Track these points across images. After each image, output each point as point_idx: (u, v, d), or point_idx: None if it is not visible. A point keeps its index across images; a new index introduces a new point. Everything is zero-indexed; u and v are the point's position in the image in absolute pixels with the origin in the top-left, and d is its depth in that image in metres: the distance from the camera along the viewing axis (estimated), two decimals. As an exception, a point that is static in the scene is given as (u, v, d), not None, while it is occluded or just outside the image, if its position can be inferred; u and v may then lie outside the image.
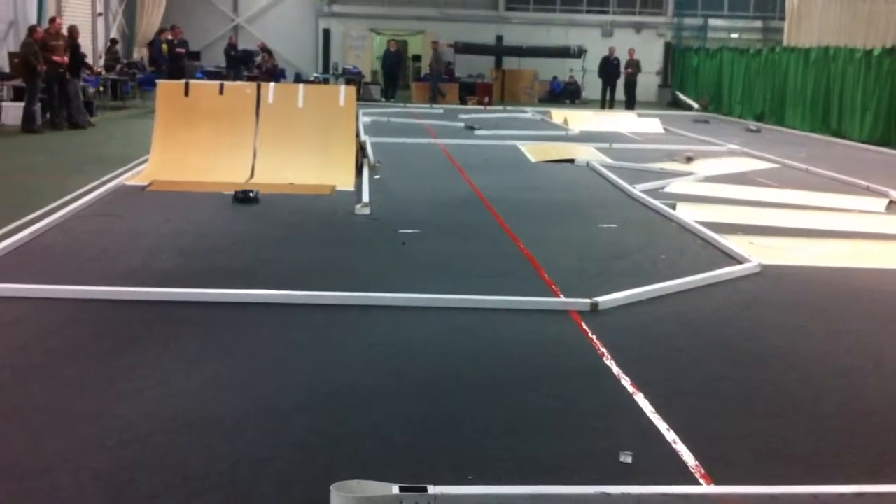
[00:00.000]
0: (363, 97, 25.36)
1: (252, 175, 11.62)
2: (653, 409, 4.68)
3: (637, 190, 11.38)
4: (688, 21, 32.76)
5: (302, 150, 11.92)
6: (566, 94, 30.71)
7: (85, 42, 20.33)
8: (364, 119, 18.89)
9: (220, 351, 5.35)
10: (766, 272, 7.63)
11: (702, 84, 29.01)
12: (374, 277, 7.10)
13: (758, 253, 8.05)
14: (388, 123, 20.08)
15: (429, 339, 5.73)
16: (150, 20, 28.65)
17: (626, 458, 4.08)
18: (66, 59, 16.77)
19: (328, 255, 7.87)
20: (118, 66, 24.70)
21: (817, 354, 5.69)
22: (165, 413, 4.42)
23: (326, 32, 32.28)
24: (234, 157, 11.82)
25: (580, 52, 29.76)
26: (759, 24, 33.40)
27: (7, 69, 19.24)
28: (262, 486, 3.75)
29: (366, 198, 10.20)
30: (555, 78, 31.38)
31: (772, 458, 4.19)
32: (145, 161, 12.10)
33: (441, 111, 24.14)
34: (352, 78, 27.39)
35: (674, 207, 10.27)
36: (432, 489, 3.56)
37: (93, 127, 17.42)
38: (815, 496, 3.70)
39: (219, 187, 10.77)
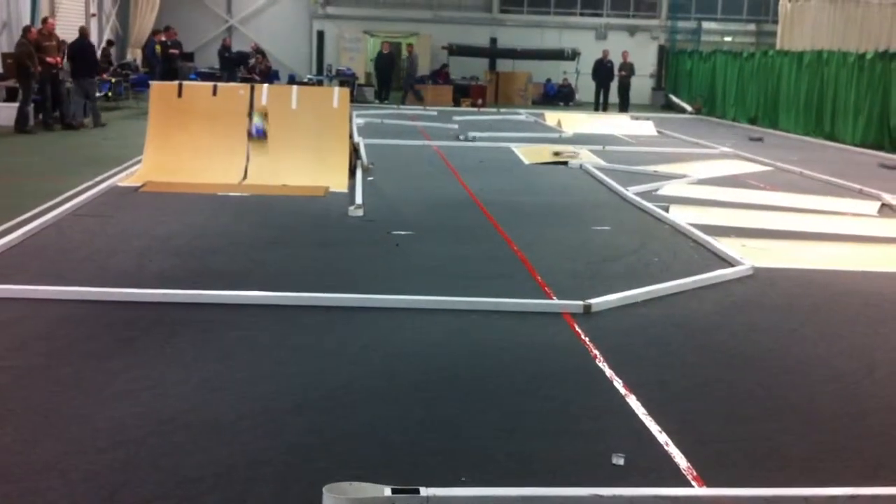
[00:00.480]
0: (357, 99, 25.35)
1: (245, 176, 11.62)
2: (645, 412, 4.69)
3: (630, 192, 11.40)
4: (681, 24, 32.86)
5: (295, 151, 11.92)
6: (560, 96, 30.77)
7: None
8: (358, 121, 18.88)
9: (215, 352, 5.34)
10: (759, 275, 7.65)
11: (695, 87, 29.07)
12: (367, 279, 7.10)
13: (751, 255, 8.07)
14: (382, 125, 20.08)
15: (423, 340, 5.74)
16: (144, 21, 28.60)
17: (619, 461, 4.09)
18: (58, 59, 16.75)
19: (321, 257, 7.87)
20: (111, 68, 24.62)
21: (810, 357, 5.71)
22: (160, 415, 4.42)
23: (320, 34, 32.28)
24: (228, 158, 11.80)
25: (574, 55, 29.84)
26: (752, 27, 33.51)
27: (0, 70, 19.19)
28: (257, 488, 3.75)
29: (359, 199, 10.20)
30: (548, 80, 31.43)
31: (764, 460, 4.20)
32: (139, 162, 12.09)
33: (435, 113, 24.15)
34: (345, 80, 27.40)
35: (667, 210, 10.29)
36: (424, 491, 3.56)
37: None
38: (807, 499, 3.72)
39: (212, 188, 10.77)
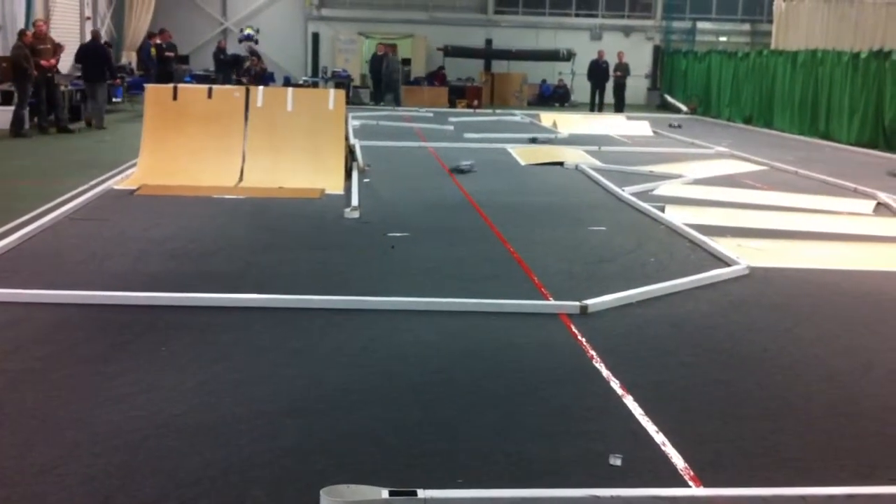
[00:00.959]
0: (352, 101, 25.34)
1: (241, 179, 11.61)
2: (642, 412, 4.69)
3: (626, 193, 11.41)
4: (676, 24, 32.86)
5: (291, 153, 11.91)
6: (555, 97, 30.76)
7: (72, 47, 20.18)
8: (353, 122, 18.89)
9: (211, 355, 5.34)
10: (755, 274, 7.66)
11: (690, 87, 29.11)
12: (364, 281, 7.10)
13: (746, 255, 8.08)
14: (378, 127, 20.08)
15: (419, 342, 5.73)
16: (139, 24, 28.53)
17: (616, 461, 4.09)
18: (53, 62, 16.74)
19: (318, 259, 7.86)
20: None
21: (807, 356, 5.71)
22: (156, 418, 4.41)
23: (315, 36, 32.23)
24: (223, 160, 11.79)
25: (569, 56, 29.85)
26: (747, 27, 33.51)
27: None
28: (253, 491, 3.74)
29: (355, 201, 10.19)
30: (544, 81, 31.42)
31: (761, 460, 4.21)
32: (134, 165, 12.07)
33: (431, 115, 24.14)
34: (341, 81, 27.36)
35: (663, 210, 10.30)
36: (422, 493, 3.56)
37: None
38: (804, 498, 3.72)
39: (208, 191, 10.76)
